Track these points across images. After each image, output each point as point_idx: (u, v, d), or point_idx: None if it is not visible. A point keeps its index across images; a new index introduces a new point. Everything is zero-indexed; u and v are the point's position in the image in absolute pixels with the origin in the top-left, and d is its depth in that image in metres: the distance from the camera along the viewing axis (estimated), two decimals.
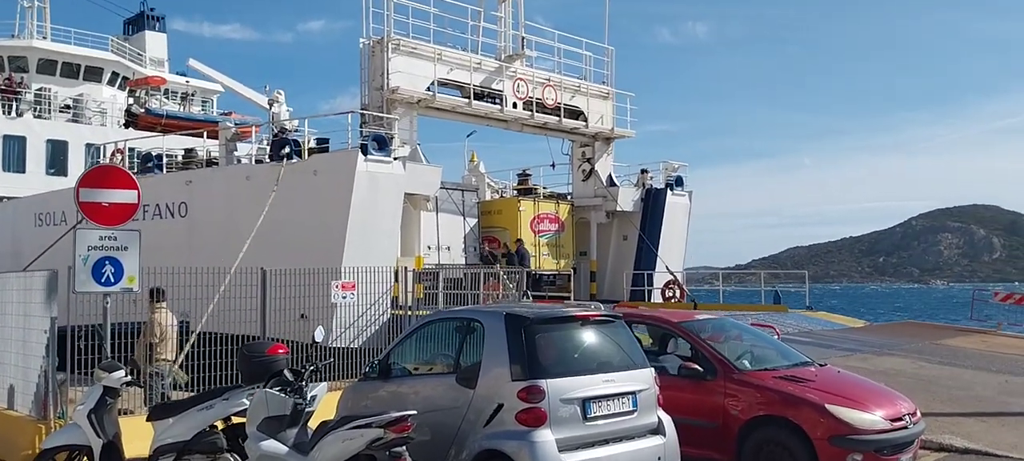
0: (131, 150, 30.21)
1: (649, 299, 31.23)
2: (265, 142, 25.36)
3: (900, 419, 10.01)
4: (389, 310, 21.23)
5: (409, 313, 20.03)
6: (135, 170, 28.29)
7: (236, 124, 32.88)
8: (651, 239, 32.37)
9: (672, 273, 31.69)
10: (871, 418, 9.76)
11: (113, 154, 29.87)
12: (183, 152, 30.04)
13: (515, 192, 33.35)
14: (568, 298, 26.82)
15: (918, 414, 10.49)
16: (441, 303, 23.28)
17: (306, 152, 23.84)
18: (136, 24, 49.61)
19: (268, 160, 24.31)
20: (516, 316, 8.94)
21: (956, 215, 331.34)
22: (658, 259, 32.05)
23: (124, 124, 39.64)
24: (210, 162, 28.13)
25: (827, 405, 9.77)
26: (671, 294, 31.44)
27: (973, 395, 15.72)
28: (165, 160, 28.53)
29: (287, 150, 23.14)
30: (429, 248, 27.76)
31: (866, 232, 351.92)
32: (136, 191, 11.28)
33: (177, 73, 48.02)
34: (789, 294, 33.64)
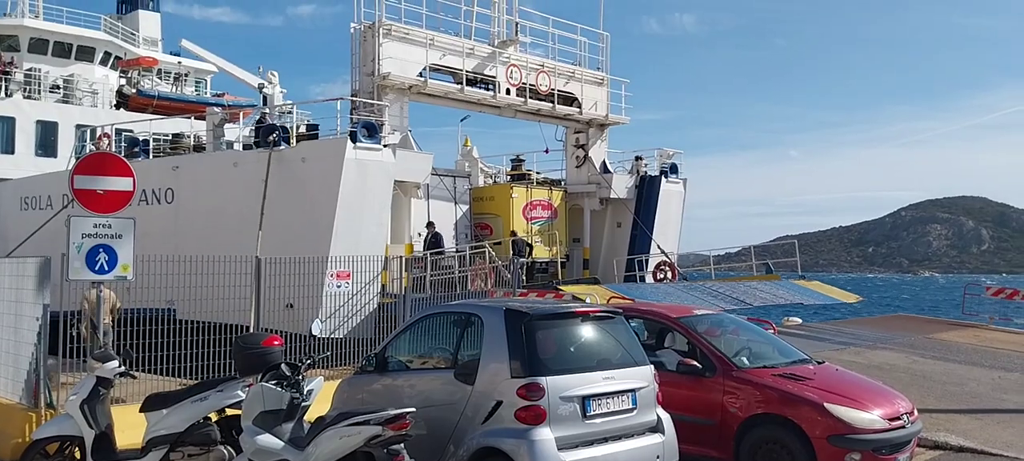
0: (118, 133, 29.87)
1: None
2: (253, 128, 25.04)
3: (898, 418, 9.97)
4: (377, 298, 21.14)
5: (395, 300, 19.93)
6: (122, 155, 28.08)
7: (229, 106, 32.59)
8: (645, 226, 32.24)
9: (664, 253, 31.59)
10: (870, 417, 9.72)
11: (99, 138, 29.56)
12: (171, 136, 29.76)
13: (508, 178, 33.16)
14: (557, 281, 26.72)
15: (916, 413, 10.45)
16: (428, 288, 23.21)
17: (295, 138, 23.64)
18: (129, 2, 48.86)
19: (255, 147, 24.09)
20: (516, 312, 8.82)
21: (945, 206, 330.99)
22: (651, 244, 31.94)
23: (115, 105, 39.24)
24: (198, 147, 27.86)
25: (826, 404, 9.71)
26: (662, 276, 31.38)
27: (967, 391, 15.72)
28: (152, 144, 28.25)
29: (274, 137, 22.95)
30: (419, 235, 27.62)
31: (855, 222, 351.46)
32: (131, 179, 11.19)
33: (170, 53, 47.44)
34: (781, 270, 33.60)
